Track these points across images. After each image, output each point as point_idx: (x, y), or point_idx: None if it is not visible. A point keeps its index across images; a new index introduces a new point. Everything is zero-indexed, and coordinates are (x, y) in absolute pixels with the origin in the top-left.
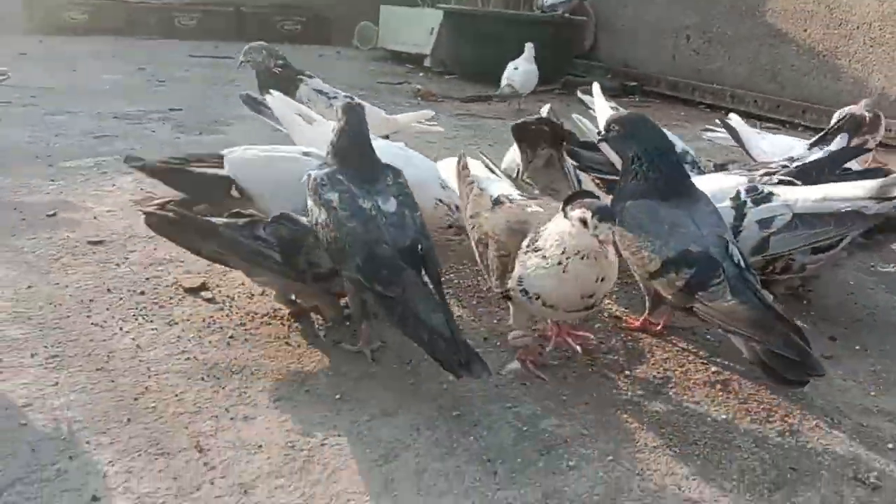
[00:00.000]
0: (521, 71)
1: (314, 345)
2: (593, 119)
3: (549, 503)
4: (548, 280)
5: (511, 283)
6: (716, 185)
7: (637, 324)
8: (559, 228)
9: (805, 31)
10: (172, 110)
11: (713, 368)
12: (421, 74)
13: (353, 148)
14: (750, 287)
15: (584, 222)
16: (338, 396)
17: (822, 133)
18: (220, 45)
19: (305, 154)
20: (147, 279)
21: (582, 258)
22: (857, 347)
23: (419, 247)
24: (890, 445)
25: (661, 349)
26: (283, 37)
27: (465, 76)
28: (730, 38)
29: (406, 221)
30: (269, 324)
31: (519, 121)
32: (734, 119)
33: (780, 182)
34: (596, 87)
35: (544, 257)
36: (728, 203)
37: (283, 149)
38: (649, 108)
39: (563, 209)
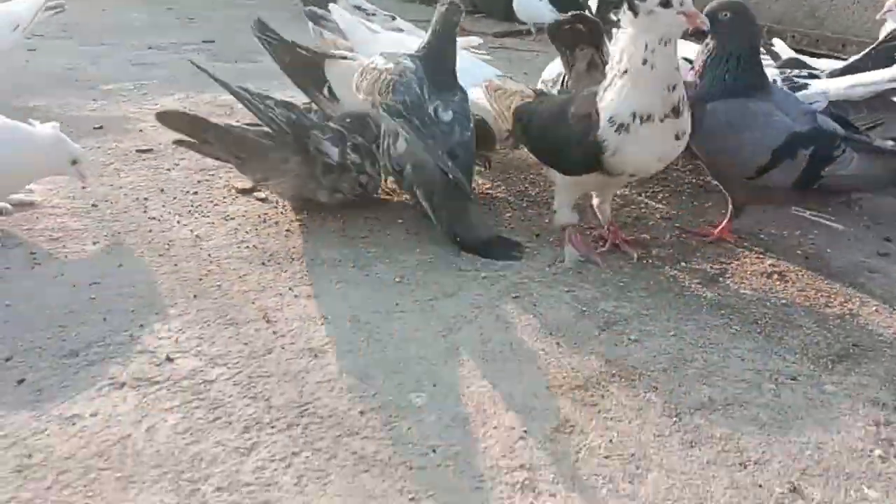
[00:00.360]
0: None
1: (372, 236)
2: None
3: (612, 370)
4: (637, 89)
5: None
6: None
7: (715, 234)
8: (629, 34)
9: None
10: (206, 42)
11: (769, 261)
12: None
13: (438, 50)
14: (864, 142)
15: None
16: (398, 280)
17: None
18: None
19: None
20: (199, 182)
21: (666, 44)
22: None
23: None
24: None
25: (714, 246)
26: None
27: (496, 15)
28: None
29: (454, 133)
30: (325, 219)
31: (553, 20)
32: (778, 45)
33: (811, 76)
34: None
35: (625, 72)
36: None
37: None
38: None
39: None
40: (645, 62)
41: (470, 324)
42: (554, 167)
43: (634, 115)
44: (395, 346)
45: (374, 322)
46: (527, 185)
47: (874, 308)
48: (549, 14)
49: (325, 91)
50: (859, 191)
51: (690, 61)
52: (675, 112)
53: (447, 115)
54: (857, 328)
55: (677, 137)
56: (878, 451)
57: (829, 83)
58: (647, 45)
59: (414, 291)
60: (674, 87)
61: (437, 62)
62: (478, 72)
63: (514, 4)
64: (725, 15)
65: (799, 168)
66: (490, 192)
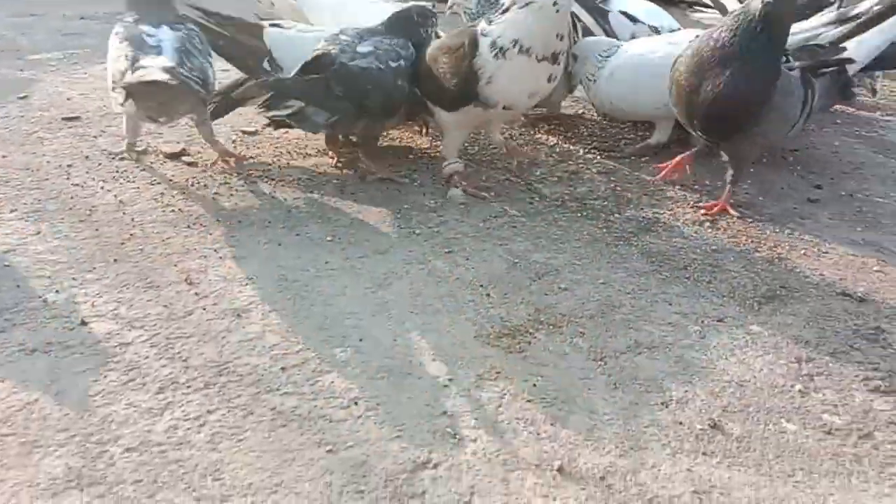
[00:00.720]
0: None
1: (305, 197)
2: None
3: (541, 318)
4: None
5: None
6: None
7: (717, 208)
8: None
9: None
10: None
11: (702, 210)
12: None
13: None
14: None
15: None
16: (329, 238)
17: None
18: None
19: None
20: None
21: None
22: (843, 194)
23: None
24: (876, 269)
25: (649, 196)
26: None
27: None
28: None
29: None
30: (255, 182)
31: None
32: None
33: None
34: None
35: (528, 4)
36: None
37: (319, 29)
38: None
39: None
40: (555, 3)
41: (401, 279)
42: (436, 102)
43: (516, 43)
44: (323, 303)
45: (303, 281)
46: (466, 146)
47: (802, 252)
48: None
49: (266, 63)
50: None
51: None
52: (554, 58)
53: (365, 48)
54: (785, 271)
55: (549, 80)
56: (798, 386)
57: None
58: None
59: (345, 249)
60: (562, 38)
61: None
62: None
63: None
64: None
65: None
66: (429, 151)
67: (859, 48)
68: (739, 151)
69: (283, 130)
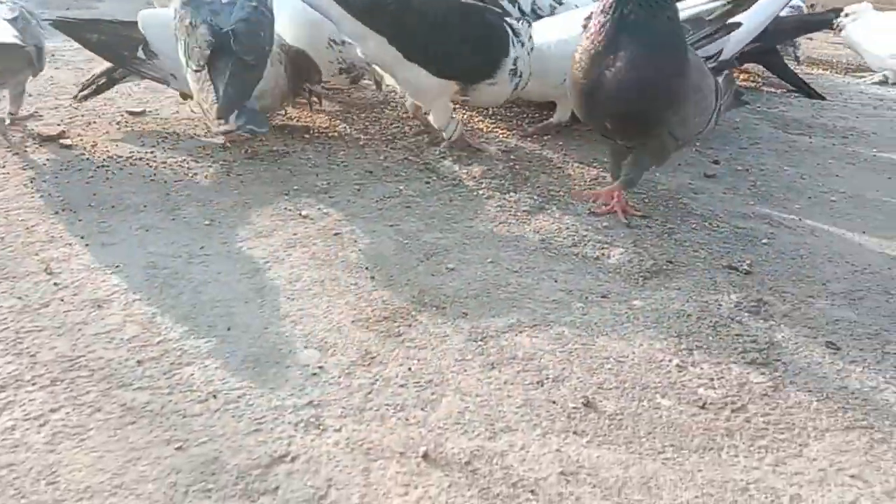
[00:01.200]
0: None
1: (188, 180)
2: None
3: (424, 299)
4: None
5: None
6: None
7: (612, 205)
8: None
9: None
10: None
11: (597, 187)
12: None
13: None
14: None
15: None
16: (208, 223)
17: None
18: None
19: None
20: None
21: None
22: (739, 168)
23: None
24: (764, 241)
25: (547, 174)
26: None
27: None
28: None
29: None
30: (135, 164)
31: None
32: None
33: None
34: None
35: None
36: None
37: None
38: None
39: None
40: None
41: (280, 263)
42: (443, 67)
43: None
44: (192, 290)
45: (173, 268)
46: (367, 124)
47: (693, 226)
48: None
49: (141, 52)
50: None
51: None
52: None
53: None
54: (674, 245)
55: None
56: (675, 361)
57: None
58: None
59: (223, 234)
60: None
61: None
62: None
63: None
64: None
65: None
66: (327, 130)
67: (745, 25)
68: (653, 150)
69: (172, 111)
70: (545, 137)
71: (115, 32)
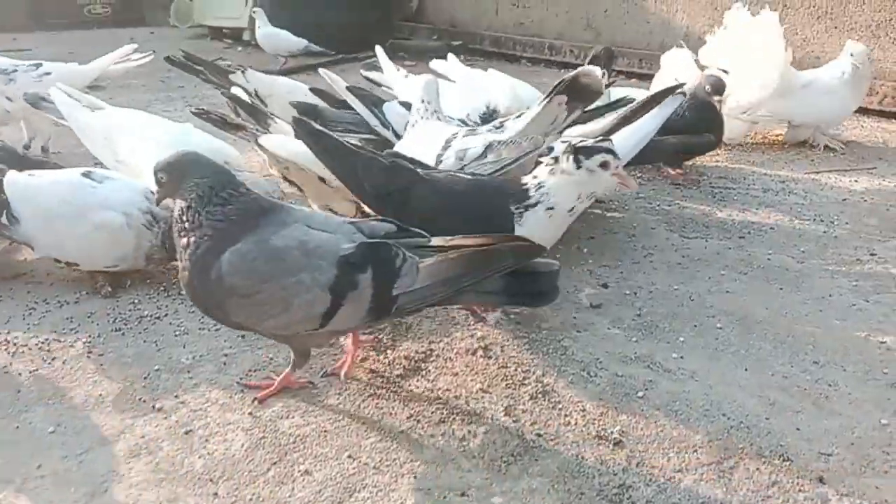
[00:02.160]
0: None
1: (40, 369)
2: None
3: None
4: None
5: None
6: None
7: (274, 388)
8: (568, 179)
9: None
10: None
11: (479, 334)
12: (240, 49)
13: None
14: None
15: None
16: (52, 430)
17: None
18: (18, 36)
19: (86, 175)
20: None
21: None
22: (628, 292)
23: None
24: (640, 394)
25: (430, 320)
26: (91, 21)
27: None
28: None
29: None
30: None
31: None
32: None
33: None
34: (380, 51)
35: (550, 208)
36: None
37: (60, 173)
38: (472, 65)
39: None
40: (572, 209)
41: (119, 480)
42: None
43: None
44: None
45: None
46: None
47: (570, 378)
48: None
49: (4, 217)
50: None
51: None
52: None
53: None
54: (547, 409)
55: None
56: None
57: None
58: (578, 196)
59: (67, 443)
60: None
61: None
62: None
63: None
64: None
65: (367, 299)
66: None
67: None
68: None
69: (46, 272)
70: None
71: None
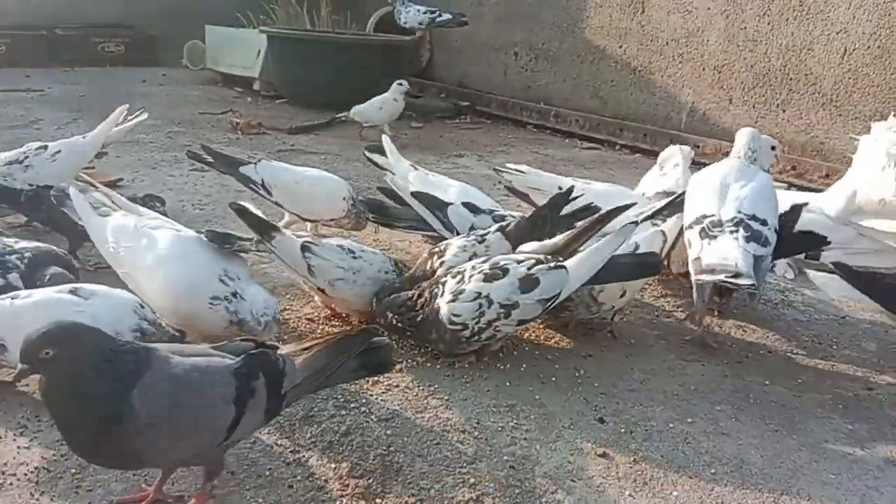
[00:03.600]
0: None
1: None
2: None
3: None
4: None
5: None
6: None
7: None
8: None
9: (621, 47)
10: None
11: (471, 480)
12: (249, 100)
13: None
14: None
15: None
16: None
17: None
18: (32, 73)
19: (73, 292)
20: None
21: None
22: (623, 429)
23: None
24: None
25: (422, 459)
26: (105, 59)
27: (295, 100)
28: (554, 55)
29: None
30: None
31: None
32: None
33: None
34: (386, 140)
35: None
36: None
37: (47, 292)
38: (479, 129)
39: None
40: None
41: None
42: None
43: None
44: None
45: None
46: None
47: None
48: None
49: None
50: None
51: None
52: None
53: None
54: None
55: None
56: None
57: None
58: None
59: None
60: None
61: None
62: None
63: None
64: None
65: (263, 403)
66: None
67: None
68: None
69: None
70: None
71: None
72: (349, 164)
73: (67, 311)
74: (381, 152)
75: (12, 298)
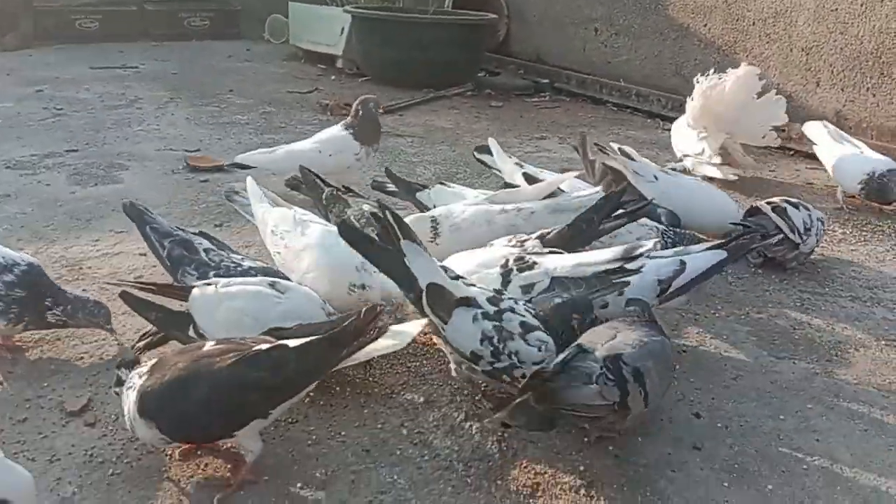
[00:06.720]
0: None
1: (199, 486)
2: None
3: None
4: None
5: None
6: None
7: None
8: None
9: (705, 25)
10: (69, 151)
11: (580, 466)
12: (333, 78)
13: None
14: None
15: None
16: None
17: None
18: (124, 48)
19: (272, 285)
20: (28, 400)
21: None
22: (719, 424)
23: None
24: None
25: (534, 446)
26: (191, 34)
27: (378, 78)
28: (636, 32)
29: None
30: (150, 453)
31: None
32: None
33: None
34: (493, 142)
35: None
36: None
37: (247, 281)
38: (559, 107)
39: None
40: None
41: None
42: None
43: None
44: None
45: None
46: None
47: None
48: None
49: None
50: None
51: None
52: None
53: None
54: None
55: None
56: None
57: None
58: None
59: None
60: None
61: None
62: None
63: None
64: None
65: None
66: (332, 385)
67: None
68: None
69: None
70: None
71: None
72: (434, 147)
73: (268, 303)
74: (488, 152)
75: (215, 286)
